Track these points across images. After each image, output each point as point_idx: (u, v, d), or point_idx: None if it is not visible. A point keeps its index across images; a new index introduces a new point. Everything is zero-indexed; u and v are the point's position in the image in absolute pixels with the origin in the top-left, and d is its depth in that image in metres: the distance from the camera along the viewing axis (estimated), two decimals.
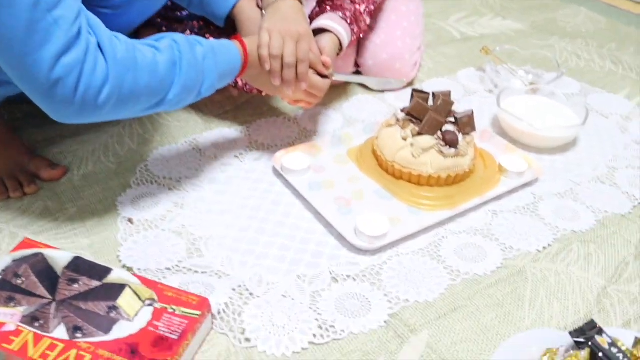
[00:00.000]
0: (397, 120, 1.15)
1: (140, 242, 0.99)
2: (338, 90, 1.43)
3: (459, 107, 1.20)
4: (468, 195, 1.11)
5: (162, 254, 0.97)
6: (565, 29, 1.85)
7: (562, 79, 1.50)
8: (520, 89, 1.38)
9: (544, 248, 1.02)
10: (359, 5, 1.28)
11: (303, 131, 1.29)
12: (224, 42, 1.01)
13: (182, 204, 1.08)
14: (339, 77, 1.22)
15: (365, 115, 1.36)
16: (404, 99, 1.42)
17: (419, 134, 1.10)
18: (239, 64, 1.02)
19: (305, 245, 1.00)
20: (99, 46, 0.82)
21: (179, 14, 1.30)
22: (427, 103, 1.16)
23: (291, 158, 1.15)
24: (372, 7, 1.32)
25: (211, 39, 1.26)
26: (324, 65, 1.11)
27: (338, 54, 1.22)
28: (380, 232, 0.99)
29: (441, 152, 1.09)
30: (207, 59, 0.95)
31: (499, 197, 1.12)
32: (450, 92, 1.18)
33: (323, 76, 1.12)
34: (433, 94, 1.17)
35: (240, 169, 1.17)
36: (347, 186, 1.12)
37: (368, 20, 1.32)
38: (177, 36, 0.94)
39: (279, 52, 1.04)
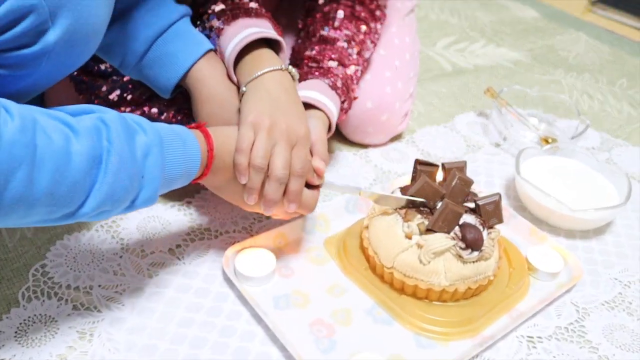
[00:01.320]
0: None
1: None
2: None
3: None
4: (493, 313, 0.80)
5: None
6: (568, 60, 1.58)
7: (579, 128, 1.21)
8: (537, 147, 1.09)
9: None
10: (348, 67, 0.93)
11: None
12: (178, 130, 0.67)
13: (91, 334, 0.74)
14: (331, 188, 0.82)
15: (345, 181, 1.04)
16: (392, 157, 1.11)
17: (429, 230, 0.79)
18: (197, 167, 0.68)
19: None
20: None
21: (102, 67, 0.93)
22: (435, 180, 0.85)
23: (248, 257, 0.82)
24: (361, 70, 0.97)
25: (154, 110, 0.91)
26: (315, 172, 0.78)
27: None
28: None
29: (459, 257, 0.78)
30: (151, 155, 0.62)
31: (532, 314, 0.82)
32: (465, 164, 0.88)
33: (312, 186, 0.79)
34: (443, 166, 0.87)
35: (177, 271, 0.83)
36: (327, 302, 0.80)
37: (357, 90, 0.98)
38: (108, 115, 0.61)
39: (264, 162, 0.71)
